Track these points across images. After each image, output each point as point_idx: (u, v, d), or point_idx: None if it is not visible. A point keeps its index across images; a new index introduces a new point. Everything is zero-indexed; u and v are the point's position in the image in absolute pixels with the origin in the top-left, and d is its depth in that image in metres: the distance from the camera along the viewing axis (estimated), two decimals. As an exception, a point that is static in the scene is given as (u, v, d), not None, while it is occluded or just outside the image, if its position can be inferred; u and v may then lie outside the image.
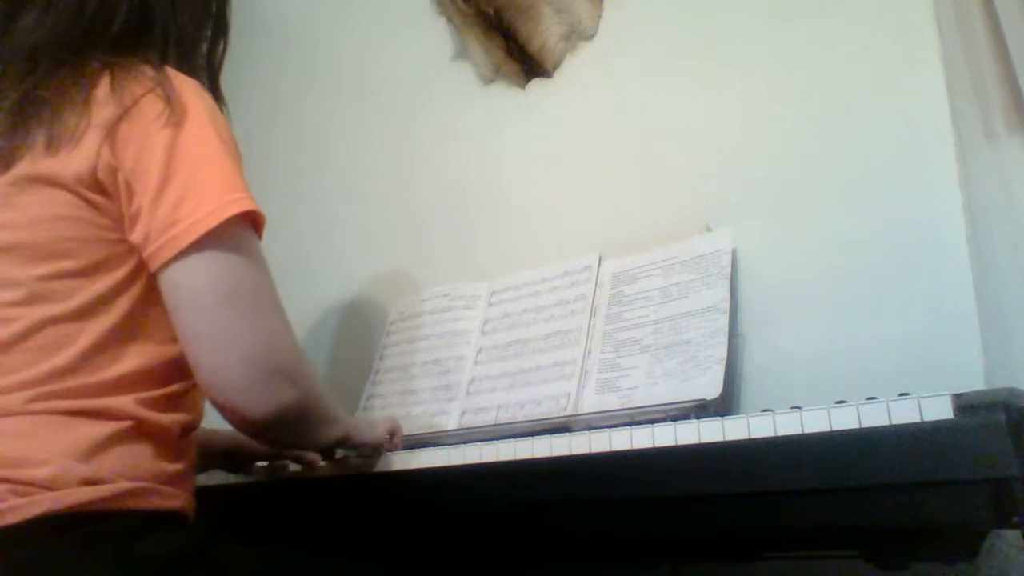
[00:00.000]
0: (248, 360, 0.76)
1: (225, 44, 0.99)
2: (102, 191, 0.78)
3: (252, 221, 0.81)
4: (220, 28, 0.98)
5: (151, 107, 0.79)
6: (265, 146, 1.72)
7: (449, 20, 1.50)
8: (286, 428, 0.81)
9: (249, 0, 1.03)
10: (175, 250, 0.76)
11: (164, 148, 0.77)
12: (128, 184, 0.77)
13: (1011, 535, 0.90)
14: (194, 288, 0.76)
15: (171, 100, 0.79)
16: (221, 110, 0.93)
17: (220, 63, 0.99)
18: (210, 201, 0.77)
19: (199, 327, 0.76)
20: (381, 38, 1.62)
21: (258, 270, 0.80)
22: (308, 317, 1.57)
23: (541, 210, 1.37)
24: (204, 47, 0.96)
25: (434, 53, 1.53)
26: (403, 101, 1.57)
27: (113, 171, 0.77)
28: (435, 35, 1.53)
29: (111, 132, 0.77)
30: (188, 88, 0.82)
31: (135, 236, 0.78)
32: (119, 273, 0.79)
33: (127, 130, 0.78)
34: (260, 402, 0.76)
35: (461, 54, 1.50)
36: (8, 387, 0.73)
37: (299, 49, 1.75)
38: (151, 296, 0.79)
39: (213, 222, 0.76)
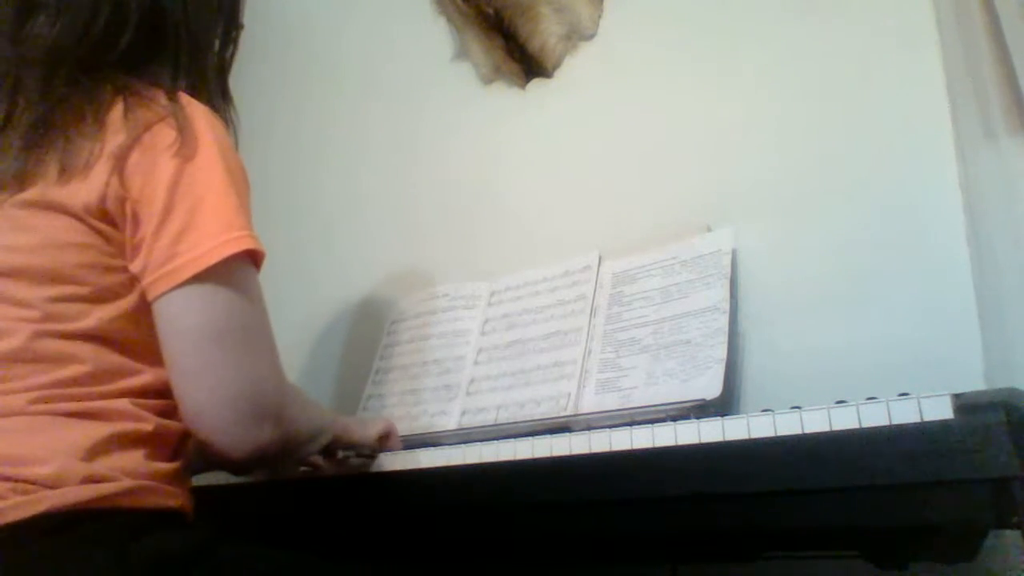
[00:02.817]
0: (231, 402, 0.76)
1: (236, 44, 0.99)
2: (110, 221, 0.78)
3: (252, 257, 0.81)
4: (231, 26, 0.98)
5: (162, 136, 0.79)
6: (265, 146, 1.72)
7: (449, 20, 1.50)
8: (266, 462, 0.83)
9: (249, 0, 1.02)
10: (171, 284, 0.76)
11: (170, 178, 0.77)
12: (135, 213, 0.78)
13: (1011, 535, 0.90)
14: (185, 324, 0.77)
15: (182, 130, 0.79)
16: (228, 110, 0.93)
17: (230, 62, 0.98)
18: (210, 238, 0.77)
19: (186, 363, 0.77)
20: (381, 38, 1.62)
21: (252, 308, 0.80)
22: (308, 318, 1.57)
23: (541, 210, 1.37)
24: (214, 49, 0.95)
25: (434, 53, 1.53)
26: (403, 101, 1.57)
27: (122, 201, 0.77)
28: (435, 35, 1.53)
29: (121, 161, 0.77)
30: (200, 117, 0.82)
31: (135, 266, 0.78)
32: (125, 302, 0.79)
33: (137, 158, 0.78)
34: (240, 442, 0.77)
35: (461, 54, 1.50)
36: (11, 390, 0.74)
37: (299, 49, 1.75)
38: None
39: (211, 260, 0.76)
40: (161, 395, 0.80)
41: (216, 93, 0.92)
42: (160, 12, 0.87)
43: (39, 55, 0.82)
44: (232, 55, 0.98)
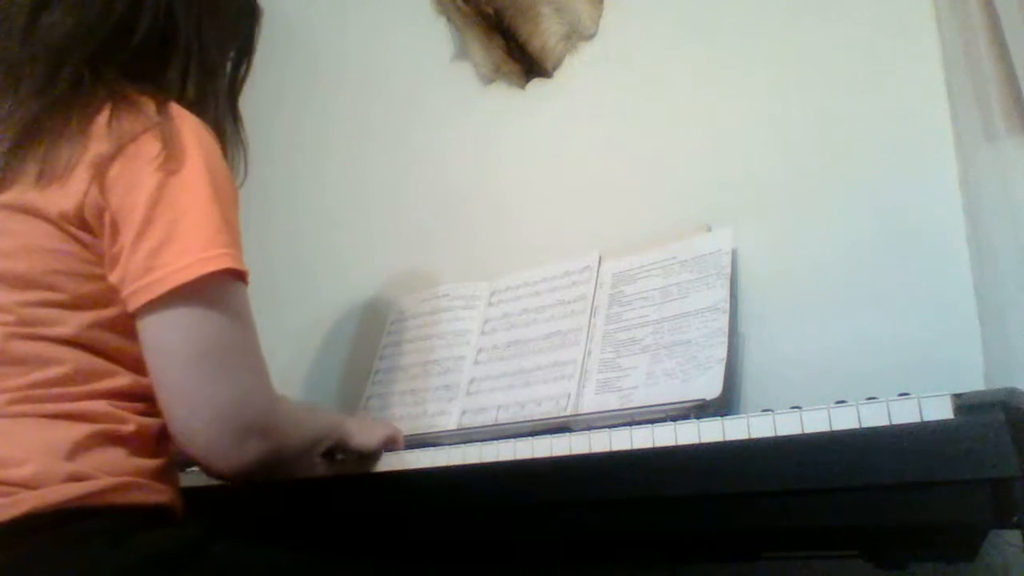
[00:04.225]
0: (216, 419, 0.76)
1: (248, 66, 0.98)
2: (87, 229, 0.77)
3: (237, 275, 0.79)
4: (245, 50, 0.98)
5: (147, 147, 0.77)
6: (265, 146, 1.71)
7: (449, 20, 1.50)
8: (257, 475, 0.82)
9: (249, 0, 1.02)
10: (148, 298, 0.75)
11: (152, 191, 0.76)
12: (114, 223, 0.76)
13: (1011, 535, 0.90)
14: (167, 342, 0.76)
15: (168, 142, 0.78)
16: (238, 131, 0.92)
17: (241, 84, 0.98)
18: (190, 253, 0.75)
19: (169, 381, 0.76)
20: (381, 38, 1.62)
21: (234, 326, 0.78)
22: (308, 318, 1.57)
23: (541, 210, 1.37)
24: (226, 69, 0.94)
25: (434, 53, 1.52)
26: (403, 101, 1.57)
27: (100, 211, 0.76)
28: (435, 35, 1.53)
29: (102, 171, 0.76)
30: (189, 129, 0.80)
31: (113, 277, 0.77)
32: (108, 311, 0.78)
33: (119, 169, 0.77)
34: (228, 459, 0.77)
35: (461, 54, 1.50)
36: None
37: (299, 49, 1.75)
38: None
39: (188, 276, 0.75)
40: (139, 398, 0.79)
41: (225, 112, 0.91)
42: (172, 21, 0.86)
43: (49, 48, 0.82)
44: (244, 78, 0.98)
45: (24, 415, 0.73)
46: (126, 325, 0.78)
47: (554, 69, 1.39)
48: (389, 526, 0.96)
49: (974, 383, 0.92)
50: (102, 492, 0.71)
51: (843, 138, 1.11)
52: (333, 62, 1.69)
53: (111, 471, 0.73)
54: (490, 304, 1.28)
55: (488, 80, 1.46)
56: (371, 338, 1.42)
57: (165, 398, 0.76)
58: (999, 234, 0.97)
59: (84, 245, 0.77)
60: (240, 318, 0.79)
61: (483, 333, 1.25)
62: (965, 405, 0.64)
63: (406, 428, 1.16)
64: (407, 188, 1.53)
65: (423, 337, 1.32)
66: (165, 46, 0.86)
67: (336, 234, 1.62)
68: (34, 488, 0.69)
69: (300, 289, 1.58)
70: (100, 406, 0.76)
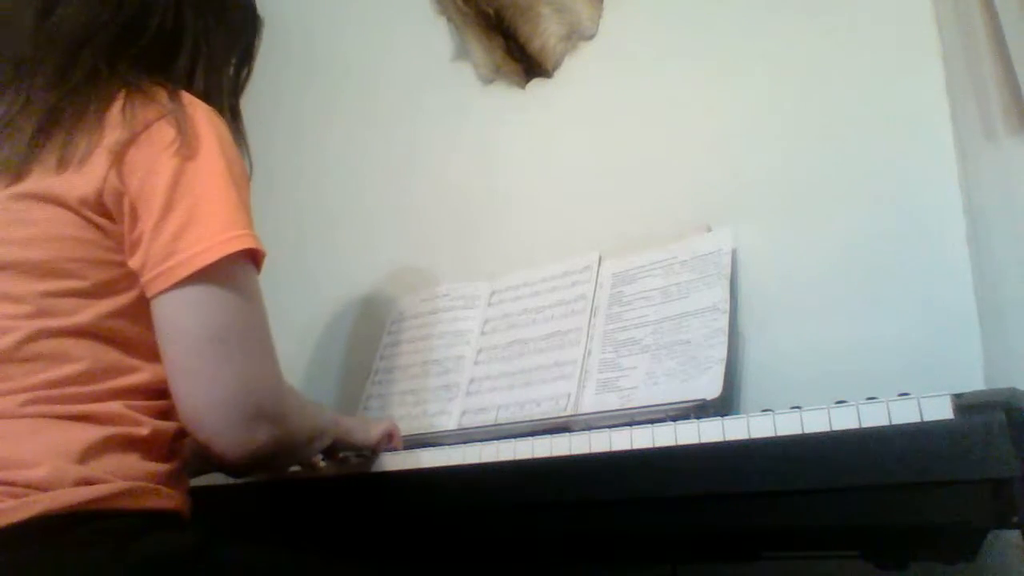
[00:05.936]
0: (228, 403, 0.76)
1: (249, 71, 1.00)
2: (107, 215, 0.78)
3: (252, 257, 0.80)
4: (246, 56, 1.00)
5: (162, 133, 0.79)
6: (266, 146, 1.71)
7: (449, 20, 1.51)
8: (263, 465, 0.82)
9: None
10: (169, 282, 0.76)
11: (170, 176, 0.77)
12: (134, 208, 0.77)
13: (1011, 535, 0.90)
14: (183, 324, 0.76)
15: (183, 128, 0.79)
16: (239, 129, 0.94)
17: (243, 87, 1.00)
18: (210, 236, 0.76)
19: (183, 363, 0.76)
20: (381, 38, 1.62)
21: (250, 309, 0.79)
22: (309, 317, 1.57)
23: (541, 210, 1.37)
24: (230, 70, 0.96)
25: (434, 53, 1.53)
26: (403, 101, 1.57)
27: (119, 196, 0.77)
28: (435, 35, 1.53)
29: (119, 157, 0.77)
30: (201, 116, 0.81)
31: (134, 262, 0.78)
32: (124, 298, 0.78)
33: (135, 155, 0.78)
34: (237, 444, 0.77)
35: (461, 54, 1.50)
36: (4, 391, 0.73)
37: (299, 49, 1.75)
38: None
39: (210, 258, 0.76)
40: (156, 395, 0.79)
41: (226, 112, 0.92)
42: (181, 21, 0.88)
43: (61, 43, 0.83)
44: (245, 82, 1.00)
45: (38, 416, 0.73)
46: (143, 312, 0.78)
47: (554, 69, 1.39)
48: (390, 526, 0.96)
49: (974, 383, 0.92)
50: (113, 496, 0.71)
51: (843, 138, 1.11)
52: (333, 62, 1.69)
53: (123, 475, 0.73)
54: (490, 304, 1.28)
55: (488, 80, 1.46)
56: (371, 338, 1.42)
57: (177, 381, 0.77)
58: (999, 234, 0.97)
59: (103, 231, 0.78)
60: (254, 302, 0.80)
61: (483, 333, 1.26)
62: (965, 405, 0.64)
63: (406, 428, 1.16)
64: (407, 188, 1.53)
65: (423, 337, 1.32)
66: (174, 43, 0.88)
67: (337, 234, 1.62)
68: (46, 491, 0.69)
69: (301, 289, 1.59)
70: (115, 407, 0.76)
